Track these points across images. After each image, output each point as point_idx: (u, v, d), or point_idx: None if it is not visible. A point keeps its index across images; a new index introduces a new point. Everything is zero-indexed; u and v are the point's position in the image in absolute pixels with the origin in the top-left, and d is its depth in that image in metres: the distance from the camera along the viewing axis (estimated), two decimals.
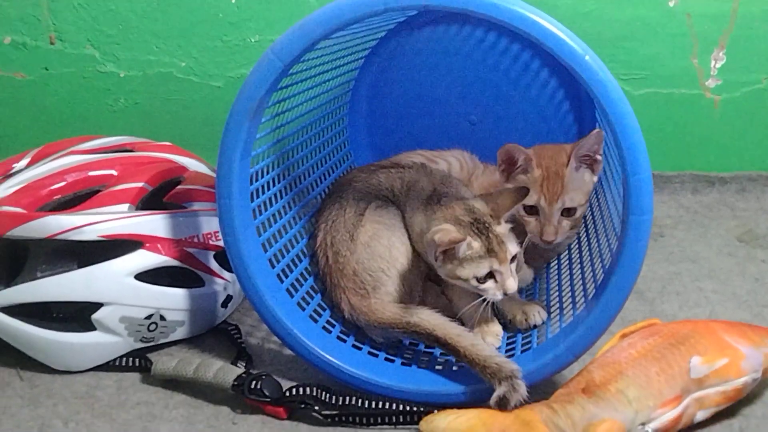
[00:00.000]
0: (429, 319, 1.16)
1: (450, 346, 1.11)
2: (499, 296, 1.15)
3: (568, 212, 1.34)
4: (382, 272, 1.22)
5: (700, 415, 1.03)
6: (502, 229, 1.15)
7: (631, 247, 1.02)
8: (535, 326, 1.23)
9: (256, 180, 1.21)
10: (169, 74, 1.86)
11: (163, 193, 1.32)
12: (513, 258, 1.15)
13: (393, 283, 1.22)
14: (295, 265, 1.29)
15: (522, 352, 1.16)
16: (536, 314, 1.23)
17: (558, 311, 1.24)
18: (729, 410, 1.06)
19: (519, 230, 1.28)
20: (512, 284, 1.14)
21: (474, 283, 1.14)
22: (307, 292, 1.27)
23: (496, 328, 1.22)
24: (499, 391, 1.03)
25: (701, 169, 1.90)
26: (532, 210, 1.34)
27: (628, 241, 1.01)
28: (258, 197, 1.22)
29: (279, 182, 1.32)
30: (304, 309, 1.22)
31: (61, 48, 1.86)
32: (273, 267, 1.21)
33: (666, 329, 1.08)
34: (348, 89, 1.72)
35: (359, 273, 1.23)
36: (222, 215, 1.15)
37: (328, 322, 1.24)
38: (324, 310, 1.27)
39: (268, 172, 1.27)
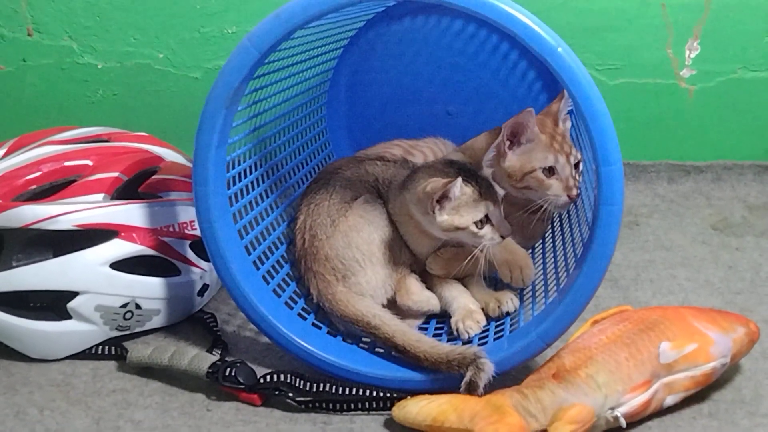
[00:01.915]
0: (390, 323, 1.17)
1: (410, 353, 1.12)
2: (497, 240, 1.17)
3: (576, 167, 1.35)
4: (356, 263, 1.22)
5: (670, 400, 1.05)
6: (486, 173, 1.18)
7: (601, 237, 1.02)
8: (507, 314, 1.24)
9: (233, 167, 1.22)
10: (146, 66, 1.85)
11: (139, 183, 1.32)
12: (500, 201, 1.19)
13: (365, 275, 1.23)
14: (272, 252, 1.30)
15: (495, 339, 1.17)
16: (509, 302, 1.24)
17: (531, 299, 1.25)
18: (698, 395, 1.08)
19: None
20: (508, 226, 1.18)
21: (473, 229, 1.16)
22: (283, 279, 1.28)
23: (479, 316, 1.23)
24: (467, 376, 1.04)
25: (677, 158, 1.90)
26: (550, 171, 1.34)
27: (599, 231, 1.02)
28: (234, 185, 1.22)
29: (256, 170, 1.33)
30: (279, 296, 1.23)
31: (39, 40, 1.85)
32: (249, 254, 1.22)
33: (636, 315, 1.09)
34: (326, 78, 1.72)
35: (331, 259, 1.23)
36: (198, 202, 1.15)
37: (303, 309, 1.25)
38: (300, 297, 1.27)
39: (245, 160, 1.28)
